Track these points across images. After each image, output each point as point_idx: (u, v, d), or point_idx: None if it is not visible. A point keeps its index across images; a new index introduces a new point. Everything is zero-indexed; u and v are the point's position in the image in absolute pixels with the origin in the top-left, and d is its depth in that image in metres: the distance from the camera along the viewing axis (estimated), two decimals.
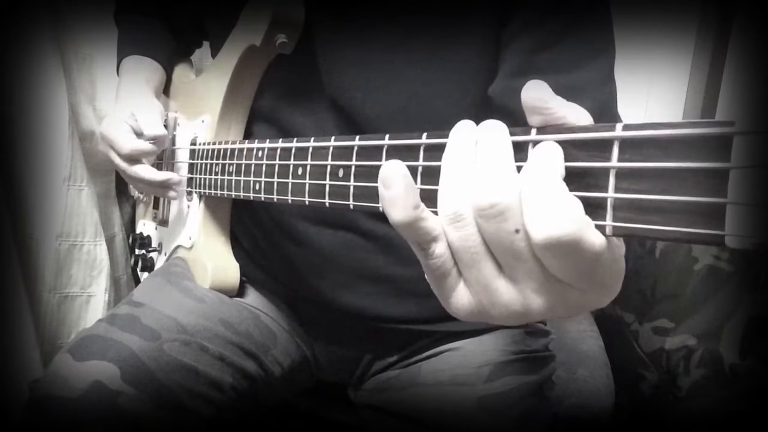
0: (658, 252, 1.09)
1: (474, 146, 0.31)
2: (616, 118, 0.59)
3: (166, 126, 0.84)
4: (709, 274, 1.00)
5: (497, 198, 0.28)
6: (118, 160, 0.74)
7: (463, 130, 0.32)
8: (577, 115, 0.30)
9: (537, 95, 0.30)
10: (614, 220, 0.27)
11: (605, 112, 0.58)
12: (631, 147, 0.26)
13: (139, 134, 0.72)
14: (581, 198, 0.28)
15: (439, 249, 0.31)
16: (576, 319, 1.07)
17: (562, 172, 0.28)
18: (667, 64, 1.29)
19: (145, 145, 0.71)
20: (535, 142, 0.30)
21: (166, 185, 0.72)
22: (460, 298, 0.32)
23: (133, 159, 0.72)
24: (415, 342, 0.73)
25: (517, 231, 0.28)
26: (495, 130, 0.31)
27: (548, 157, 0.28)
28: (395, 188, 0.31)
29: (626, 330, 1.12)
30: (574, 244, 0.26)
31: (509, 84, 0.59)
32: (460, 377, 0.68)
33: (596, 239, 0.27)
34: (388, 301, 0.69)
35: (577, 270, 0.28)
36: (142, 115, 0.73)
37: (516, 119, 0.58)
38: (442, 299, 0.33)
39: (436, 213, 0.32)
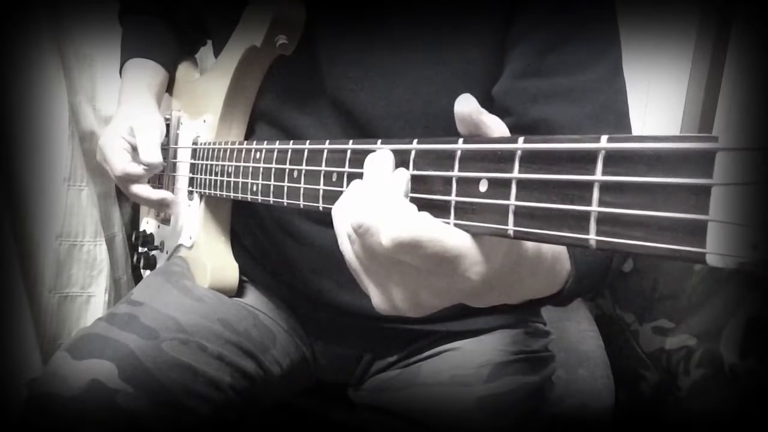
0: None
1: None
2: (623, 117, 0.59)
3: (168, 125, 0.85)
4: (709, 274, 1.00)
5: (361, 219, 0.34)
6: (113, 177, 0.76)
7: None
8: (498, 127, 0.35)
9: (473, 108, 0.34)
10: (598, 234, 0.26)
11: (611, 110, 0.58)
12: (615, 160, 0.26)
13: (135, 155, 0.73)
14: (565, 210, 0.28)
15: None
16: (576, 319, 1.07)
17: (405, 189, 0.36)
18: (667, 64, 1.29)
19: (138, 170, 0.73)
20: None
21: (162, 204, 0.75)
22: (374, 296, 0.38)
23: (127, 180, 0.74)
24: (414, 342, 0.73)
25: (380, 242, 0.33)
26: (370, 161, 0.38)
27: (394, 180, 0.35)
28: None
29: (626, 330, 1.12)
30: (414, 243, 0.31)
31: (513, 86, 0.59)
32: (459, 377, 0.68)
33: (447, 238, 0.32)
34: None
35: (434, 262, 0.33)
36: (141, 135, 0.73)
37: (517, 121, 0.58)
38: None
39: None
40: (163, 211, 0.77)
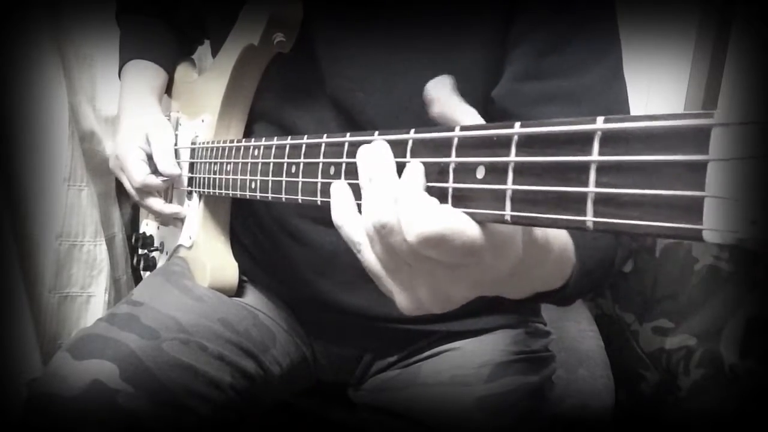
0: (658, 252, 1.09)
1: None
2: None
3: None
4: (709, 274, 1.00)
5: (384, 218, 0.33)
6: (129, 187, 0.77)
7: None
8: (471, 117, 0.36)
9: (444, 93, 0.36)
10: (595, 215, 0.26)
11: (612, 112, 0.58)
12: (612, 141, 0.26)
13: (153, 167, 0.74)
14: (562, 193, 0.28)
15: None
16: (576, 319, 1.07)
17: (424, 183, 0.34)
18: (667, 64, 1.29)
19: (157, 181, 0.74)
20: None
21: (174, 218, 0.77)
22: (399, 298, 0.37)
23: (145, 192, 0.75)
24: (415, 342, 0.73)
25: (405, 240, 0.33)
26: (368, 156, 0.36)
27: (412, 175, 0.34)
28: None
29: (626, 330, 1.12)
30: (441, 237, 0.31)
31: (514, 88, 0.59)
32: (459, 377, 0.68)
33: (469, 229, 0.31)
34: (388, 301, 0.69)
35: (461, 254, 0.32)
36: (157, 144, 0.74)
37: None
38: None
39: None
40: (171, 223, 0.78)
